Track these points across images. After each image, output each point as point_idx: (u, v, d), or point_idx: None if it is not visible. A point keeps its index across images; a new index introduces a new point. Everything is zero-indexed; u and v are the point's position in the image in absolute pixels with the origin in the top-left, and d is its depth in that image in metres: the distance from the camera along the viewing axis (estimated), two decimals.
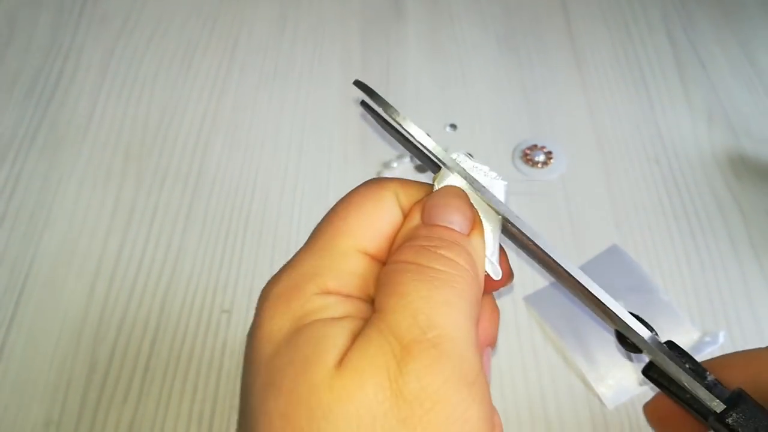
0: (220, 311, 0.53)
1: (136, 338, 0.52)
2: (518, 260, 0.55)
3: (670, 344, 0.31)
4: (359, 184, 0.30)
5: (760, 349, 0.33)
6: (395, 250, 0.28)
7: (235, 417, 0.48)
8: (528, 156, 0.62)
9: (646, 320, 0.30)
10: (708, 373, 0.30)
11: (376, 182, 0.30)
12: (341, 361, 0.23)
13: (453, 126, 0.65)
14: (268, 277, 0.57)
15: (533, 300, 0.53)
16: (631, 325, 0.29)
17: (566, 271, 0.29)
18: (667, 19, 0.75)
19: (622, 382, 0.49)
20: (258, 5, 0.77)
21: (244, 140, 0.64)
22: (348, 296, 0.27)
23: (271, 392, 0.24)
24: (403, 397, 0.23)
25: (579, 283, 0.29)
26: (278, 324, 0.25)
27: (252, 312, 0.56)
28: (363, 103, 0.32)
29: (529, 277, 0.55)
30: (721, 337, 0.51)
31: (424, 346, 0.23)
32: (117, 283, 0.55)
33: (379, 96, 0.30)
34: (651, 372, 0.31)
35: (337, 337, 0.24)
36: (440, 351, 0.23)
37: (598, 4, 0.77)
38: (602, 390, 0.49)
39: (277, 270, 0.28)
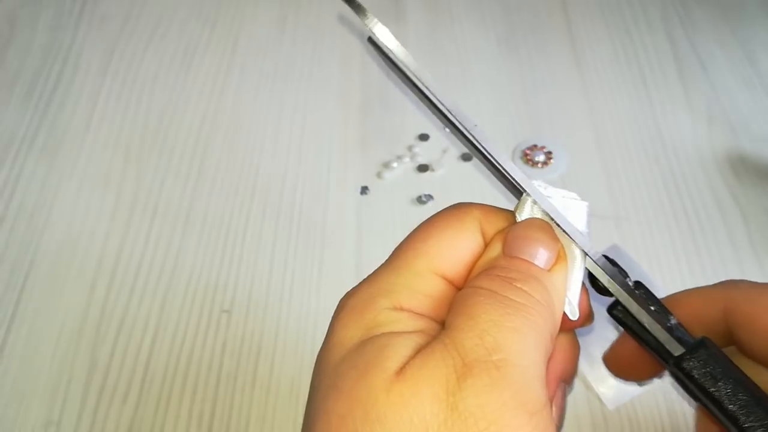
0: (220, 311, 0.53)
1: (136, 338, 0.52)
2: None
3: (638, 284, 0.31)
4: (444, 208, 0.30)
5: (706, 286, 0.33)
6: (473, 277, 0.28)
7: (234, 417, 0.48)
8: (528, 156, 0.62)
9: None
10: (672, 316, 0.30)
11: (459, 207, 0.30)
12: (402, 369, 0.24)
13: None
14: (268, 278, 0.57)
15: None
16: (598, 265, 0.30)
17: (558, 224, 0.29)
18: (667, 19, 0.75)
19: (623, 382, 0.49)
20: (258, 6, 0.77)
21: (244, 141, 0.64)
22: (420, 315, 0.27)
23: (333, 393, 0.24)
24: (458, 411, 0.23)
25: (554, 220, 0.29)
26: (349, 333, 0.26)
27: (252, 312, 0.56)
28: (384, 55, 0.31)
29: None
30: None
31: (486, 366, 0.23)
32: (117, 283, 0.55)
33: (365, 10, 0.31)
34: (615, 311, 0.31)
35: (402, 347, 0.24)
36: (502, 374, 0.23)
37: (597, 4, 0.77)
38: (603, 390, 0.49)
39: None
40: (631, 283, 0.30)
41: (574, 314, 0.29)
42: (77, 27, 0.74)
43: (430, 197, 0.60)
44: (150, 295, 0.54)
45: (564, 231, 0.29)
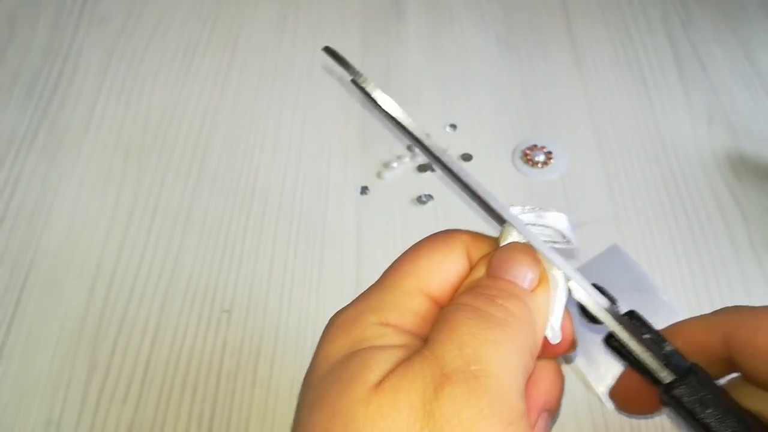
0: (220, 311, 0.53)
1: (136, 338, 0.52)
2: None
3: (631, 314, 0.31)
4: (433, 233, 0.31)
5: (705, 315, 0.34)
6: (457, 295, 0.29)
7: (234, 417, 0.48)
8: (528, 156, 0.62)
9: (616, 299, 0.31)
10: (667, 343, 0.31)
11: (447, 232, 0.31)
12: (381, 381, 0.24)
13: (453, 126, 0.65)
14: (268, 277, 0.57)
15: None
16: (590, 295, 0.30)
17: (542, 253, 0.30)
18: (667, 19, 0.75)
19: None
20: (258, 6, 0.77)
21: (244, 140, 0.64)
22: (406, 331, 0.28)
23: (317, 406, 0.25)
24: (434, 419, 0.23)
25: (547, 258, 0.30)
26: (336, 347, 0.27)
27: (252, 312, 0.56)
28: (353, 81, 0.32)
29: None
30: None
31: (464, 375, 0.24)
32: (117, 283, 0.55)
33: (349, 63, 0.32)
34: (611, 341, 0.31)
35: (384, 361, 0.25)
36: (480, 383, 0.24)
37: (598, 3, 0.77)
38: (602, 390, 0.49)
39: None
40: (621, 312, 0.31)
41: (555, 338, 0.29)
42: (77, 27, 0.74)
43: (430, 197, 0.60)
44: (150, 295, 0.54)
45: (547, 256, 0.30)
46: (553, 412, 0.31)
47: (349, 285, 0.55)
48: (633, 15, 0.76)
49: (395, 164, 0.62)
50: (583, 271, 0.55)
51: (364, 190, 0.60)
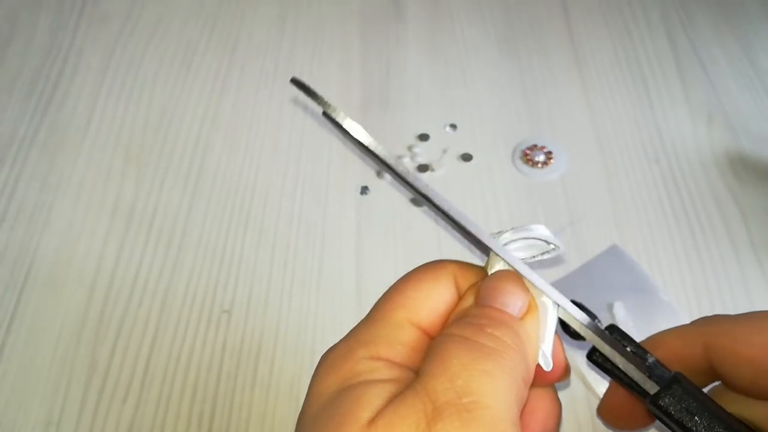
0: (220, 311, 0.53)
1: (136, 338, 0.52)
2: None
3: (612, 328, 0.31)
4: (421, 264, 0.31)
5: (684, 325, 0.34)
6: (446, 326, 0.29)
7: (234, 417, 0.48)
8: (528, 156, 0.62)
9: (592, 311, 0.31)
10: (649, 355, 0.31)
11: (435, 263, 0.31)
12: (374, 418, 0.24)
13: (453, 126, 0.65)
14: (268, 277, 0.57)
15: None
16: (569, 312, 0.30)
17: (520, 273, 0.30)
18: (667, 20, 0.75)
19: None
20: (258, 6, 0.77)
21: (244, 141, 0.64)
22: (397, 364, 0.27)
23: None
24: None
25: (523, 276, 0.30)
26: (327, 384, 0.27)
27: (252, 312, 0.56)
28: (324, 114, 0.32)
29: None
30: None
31: (456, 409, 0.24)
32: (117, 283, 0.55)
33: (317, 94, 0.32)
34: (594, 357, 0.32)
35: (377, 397, 0.25)
36: (473, 416, 0.24)
37: (598, 4, 0.77)
38: (602, 390, 0.49)
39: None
40: (602, 326, 0.31)
41: (548, 365, 0.29)
42: (77, 27, 0.74)
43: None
44: (150, 295, 0.54)
45: (534, 283, 0.30)
46: None
47: (349, 285, 0.55)
48: (633, 15, 0.76)
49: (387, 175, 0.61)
50: (583, 271, 0.55)
51: (364, 190, 0.60)
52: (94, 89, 0.68)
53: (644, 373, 0.30)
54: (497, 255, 0.31)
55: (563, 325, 0.31)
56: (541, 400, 0.30)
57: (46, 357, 0.51)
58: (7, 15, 0.75)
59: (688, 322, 0.52)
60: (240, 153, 0.63)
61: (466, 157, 0.62)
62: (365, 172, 0.62)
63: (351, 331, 0.29)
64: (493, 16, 0.76)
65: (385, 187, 0.61)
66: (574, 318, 0.30)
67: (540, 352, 0.29)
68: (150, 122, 0.66)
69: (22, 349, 0.51)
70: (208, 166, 0.62)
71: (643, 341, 0.33)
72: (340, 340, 0.29)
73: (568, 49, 0.72)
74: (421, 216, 0.59)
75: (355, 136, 0.31)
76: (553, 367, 0.29)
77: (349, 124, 0.31)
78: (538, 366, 0.29)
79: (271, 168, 0.62)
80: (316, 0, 0.77)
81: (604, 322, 0.31)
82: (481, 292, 0.29)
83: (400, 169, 0.31)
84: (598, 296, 0.52)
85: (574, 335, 0.31)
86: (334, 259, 0.56)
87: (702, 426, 0.29)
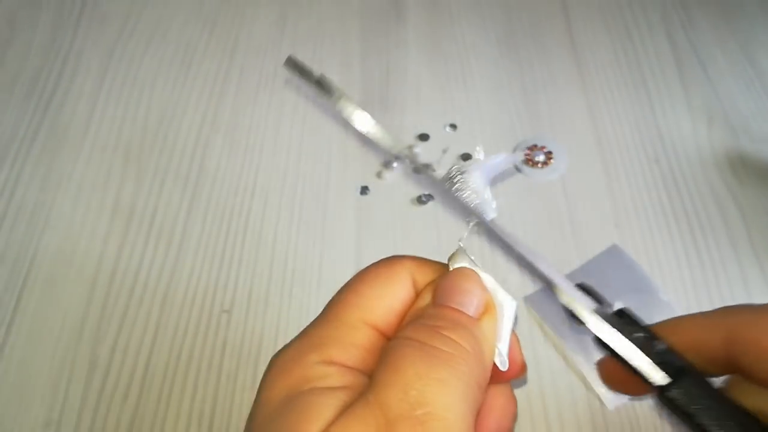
0: (220, 311, 0.53)
1: (136, 338, 0.52)
2: (517, 260, 0.55)
3: (621, 312, 0.31)
4: (377, 261, 0.30)
5: (703, 312, 0.33)
6: (402, 327, 0.28)
7: (234, 416, 0.48)
8: (528, 156, 0.62)
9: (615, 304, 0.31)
10: (659, 341, 0.30)
11: (392, 260, 0.30)
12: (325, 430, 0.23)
13: (453, 126, 0.65)
14: (268, 278, 0.57)
15: (533, 300, 0.53)
16: (575, 298, 0.30)
17: (524, 257, 0.30)
18: (667, 20, 0.75)
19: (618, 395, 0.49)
20: (257, 6, 0.77)
21: (244, 141, 0.64)
22: (350, 368, 0.26)
23: None
24: None
25: (529, 262, 0.30)
26: (276, 391, 0.25)
27: (252, 312, 0.56)
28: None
29: (528, 277, 0.55)
30: None
31: (410, 422, 0.23)
32: (117, 284, 0.55)
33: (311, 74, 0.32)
34: (601, 341, 0.31)
35: (327, 408, 0.24)
36: (426, 429, 0.23)
37: (598, 4, 0.77)
38: (602, 390, 0.49)
39: (315, 304, 0.29)
40: (610, 311, 0.30)
41: (504, 364, 0.28)
42: (77, 27, 0.74)
43: (430, 197, 0.60)
44: (150, 295, 0.54)
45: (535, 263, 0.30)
46: None
47: None
48: (633, 15, 0.76)
49: (395, 164, 0.62)
50: (583, 271, 0.55)
51: (364, 190, 0.60)
52: (93, 90, 0.68)
53: (653, 363, 0.29)
54: (462, 252, 0.30)
55: (567, 311, 0.31)
56: (497, 398, 0.30)
57: (46, 356, 0.51)
58: (7, 16, 0.75)
59: None
60: (240, 153, 0.63)
61: (466, 157, 0.62)
62: (365, 171, 0.62)
63: (303, 331, 0.28)
64: (493, 17, 0.76)
65: (385, 187, 0.61)
66: (579, 304, 0.30)
67: (496, 351, 0.28)
68: (150, 123, 0.66)
69: (23, 349, 0.51)
70: (207, 166, 0.62)
71: (657, 325, 0.32)
72: (291, 342, 0.28)
73: (568, 50, 0.72)
74: (421, 216, 0.59)
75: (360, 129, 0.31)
76: (509, 367, 0.29)
77: (355, 115, 0.31)
78: (494, 365, 0.28)
79: (270, 168, 0.62)
80: (315, 0, 0.77)
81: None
82: (437, 291, 0.28)
83: (409, 154, 0.31)
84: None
85: (579, 322, 0.31)
86: (334, 259, 0.56)
87: (712, 420, 0.28)
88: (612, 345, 0.30)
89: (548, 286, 0.31)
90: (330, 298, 0.54)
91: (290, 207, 0.60)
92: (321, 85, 0.31)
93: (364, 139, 0.64)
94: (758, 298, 0.53)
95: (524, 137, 0.64)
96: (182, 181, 0.61)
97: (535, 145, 0.63)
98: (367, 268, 0.30)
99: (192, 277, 0.55)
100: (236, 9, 0.77)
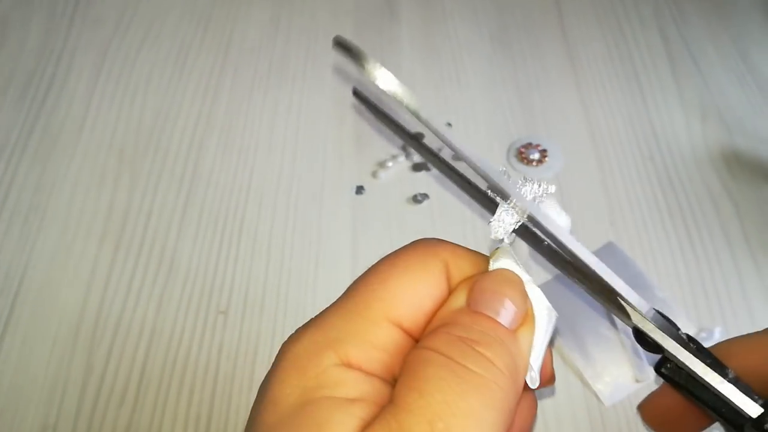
0: (216, 313, 0.53)
1: (132, 341, 0.51)
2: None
3: (689, 338, 0.27)
4: (410, 242, 0.27)
5: (759, 333, 0.30)
6: (430, 331, 0.25)
7: (231, 419, 0.48)
8: (523, 154, 0.62)
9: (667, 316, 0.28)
10: (729, 370, 0.27)
11: (426, 246, 0.27)
12: None
13: (447, 124, 0.65)
14: (264, 278, 0.57)
15: None
16: (648, 320, 0.27)
17: (585, 263, 0.27)
18: (659, 16, 0.75)
19: (620, 379, 0.49)
20: (251, 6, 0.77)
21: (239, 141, 0.64)
22: (369, 373, 0.24)
23: None
24: None
25: (597, 274, 0.26)
26: (287, 390, 0.23)
27: (248, 313, 0.56)
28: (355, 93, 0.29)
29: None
30: (717, 333, 0.51)
31: None
32: (112, 286, 0.54)
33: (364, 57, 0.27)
34: (665, 369, 0.28)
35: (343, 426, 0.22)
36: None
37: (590, 1, 0.77)
38: (599, 387, 0.49)
39: (311, 303, 0.27)
40: (684, 337, 0.27)
41: (534, 382, 0.26)
42: (70, 28, 0.74)
43: (425, 196, 0.60)
44: (146, 297, 0.54)
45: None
46: None
47: (345, 285, 0.54)
48: (625, 12, 0.76)
49: (390, 163, 0.62)
50: None
51: (359, 189, 0.60)
52: (87, 91, 0.68)
53: (744, 394, 0.26)
54: (505, 250, 0.27)
55: (637, 335, 0.27)
56: (520, 405, 0.27)
57: (41, 361, 0.50)
58: None
59: (683, 318, 0.52)
60: (234, 154, 0.63)
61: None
62: (360, 171, 0.62)
63: (320, 318, 0.26)
64: (486, 15, 0.76)
65: (380, 187, 0.61)
66: (656, 328, 0.27)
67: (528, 366, 0.26)
68: (144, 123, 0.66)
69: (18, 354, 0.51)
70: (202, 167, 0.62)
71: (711, 347, 0.29)
72: (307, 328, 0.25)
73: (561, 47, 0.72)
74: (418, 215, 0.59)
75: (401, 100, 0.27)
76: (539, 381, 0.26)
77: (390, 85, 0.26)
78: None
79: (265, 168, 0.62)
80: (309, 0, 0.77)
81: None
82: (474, 294, 0.25)
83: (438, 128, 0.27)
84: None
85: (652, 347, 0.27)
86: (330, 260, 0.56)
87: None
88: (693, 372, 0.27)
89: (614, 307, 0.28)
90: (326, 298, 0.54)
91: (285, 207, 0.60)
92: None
93: (363, 138, 0.64)
94: (753, 294, 0.54)
95: (518, 135, 0.64)
96: (177, 182, 0.61)
97: (530, 143, 0.63)
98: (399, 252, 0.27)
99: (187, 279, 0.55)
100: (230, 8, 0.76)
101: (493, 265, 0.27)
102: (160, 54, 0.72)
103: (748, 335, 0.30)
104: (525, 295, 0.26)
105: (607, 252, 0.56)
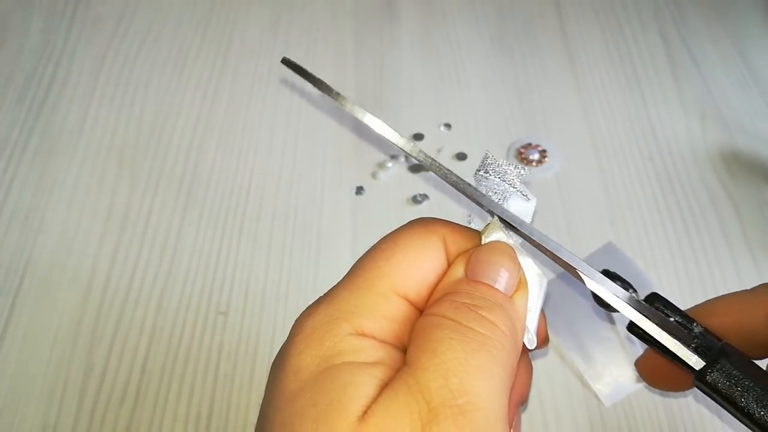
0: (216, 313, 0.53)
1: (133, 340, 0.51)
2: None
3: (654, 296, 0.30)
4: (408, 222, 0.29)
5: (742, 291, 0.32)
6: (434, 301, 0.27)
7: (231, 419, 0.48)
8: (522, 154, 0.62)
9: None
10: (695, 324, 0.29)
11: (424, 225, 0.29)
12: (365, 414, 0.23)
13: (447, 125, 0.65)
14: (264, 278, 0.57)
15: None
16: (604, 286, 0.29)
17: (549, 249, 0.29)
18: (660, 17, 0.76)
19: (619, 379, 0.49)
20: (250, 8, 0.77)
21: (238, 143, 0.64)
22: (382, 341, 0.26)
23: None
24: None
25: (551, 251, 0.29)
26: (307, 360, 0.25)
27: (248, 314, 0.56)
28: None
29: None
30: None
31: (452, 411, 0.23)
32: (113, 286, 0.54)
33: (310, 75, 0.30)
34: (635, 328, 0.30)
35: (365, 386, 0.23)
36: (468, 420, 0.23)
37: (590, 3, 0.77)
38: (599, 387, 0.49)
39: (313, 301, 0.28)
40: (637, 297, 0.29)
41: (531, 343, 0.28)
42: (69, 30, 0.74)
43: (425, 197, 0.60)
44: (146, 297, 0.54)
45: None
46: (524, 403, 0.31)
47: None
48: (626, 13, 0.76)
49: (390, 164, 0.62)
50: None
51: (359, 190, 0.60)
52: (87, 92, 0.68)
53: (689, 347, 0.28)
54: (497, 223, 0.29)
55: (596, 297, 0.30)
56: (519, 366, 0.29)
57: (42, 360, 0.50)
58: None
59: None
60: (234, 155, 0.63)
61: (461, 157, 0.62)
62: (360, 172, 0.62)
63: (331, 293, 0.27)
64: (486, 15, 0.76)
65: (380, 187, 0.61)
66: (608, 292, 0.29)
67: (525, 328, 0.28)
68: (143, 125, 0.66)
69: (18, 353, 0.51)
70: (202, 168, 0.62)
71: (693, 308, 0.31)
72: (319, 304, 0.27)
73: (561, 47, 0.73)
74: (417, 215, 0.59)
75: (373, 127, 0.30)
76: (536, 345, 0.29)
77: (366, 117, 0.30)
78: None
79: (265, 169, 0.62)
80: (309, 1, 0.77)
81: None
82: (472, 264, 0.27)
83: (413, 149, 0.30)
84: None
85: (609, 307, 0.30)
86: (330, 260, 0.56)
87: (753, 403, 0.27)
88: (644, 329, 0.29)
89: (572, 274, 0.30)
90: None
91: (285, 208, 0.60)
92: (320, 85, 0.30)
93: (363, 139, 0.64)
94: None
95: (518, 135, 0.64)
96: (177, 183, 0.61)
97: (530, 144, 0.63)
98: (399, 231, 0.29)
99: (187, 279, 0.55)
100: (229, 10, 0.77)
101: (486, 239, 0.29)
102: (160, 55, 0.72)
103: (733, 294, 0.32)
104: (518, 264, 0.28)
105: (606, 252, 0.56)
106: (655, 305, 0.30)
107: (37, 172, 0.62)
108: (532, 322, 0.28)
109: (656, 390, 0.34)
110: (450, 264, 0.28)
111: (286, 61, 0.31)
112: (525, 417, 0.48)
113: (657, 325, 0.29)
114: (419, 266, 0.28)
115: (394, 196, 0.60)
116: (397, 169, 0.62)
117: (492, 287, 0.27)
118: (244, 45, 0.73)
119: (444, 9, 0.76)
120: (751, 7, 0.76)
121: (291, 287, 0.55)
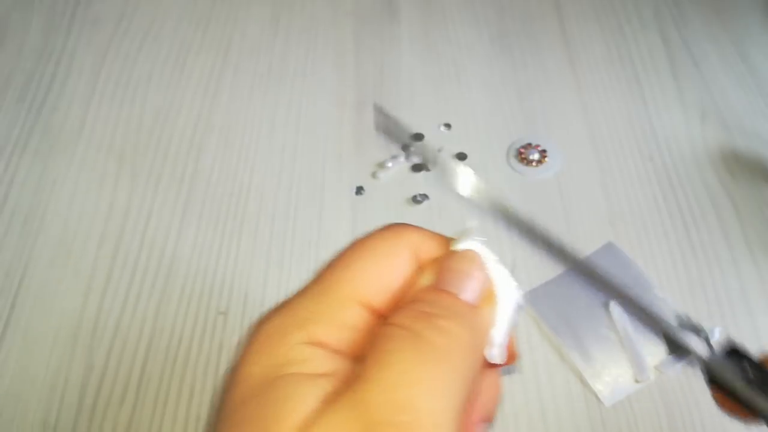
0: (216, 313, 0.53)
1: (133, 341, 0.51)
2: (513, 256, 0.55)
3: (732, 352, 0.30)
4: (378, 228, 0.28)
5: None
6: (397, 309, 0.25)
7: None
8: (523, 154, 0.62)
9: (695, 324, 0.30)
10: None
11: (394, 231, 0.28)
12: (303, 428, 0.22)
13: (447, 125, 0.65)
14: (263, 278, 0.57)
15: (530, 298, 0.53)
16: (683, 343, 0.28)
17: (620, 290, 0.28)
18: (660, 18, 0.76)
19: (619, 379, 0.49)
20: (250, 7, 0.77)
21: (239, 141, 0.64)
22: (336, 351, 0.25)
23: None
24: None
25: (629, 297, 0.28)
26: (256, 368, 0.24)
27: (248, 314, 0.56)
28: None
29: (525, 274, 0.55)
30: (717, 333, 0.51)
31: (393, 429, 0.21)
32: (113, 286, 0.54)
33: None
34: (715, 379, 0.30)
35: (308, 399, 0.22)
36: None
37: (590, 3, 0.77)
38: (599, 387, 0.49)
39: (271, 307, 0.27)
40: (710, 337, 0.30)
41: (500, 358, 0.27)
42: (70, 29, 0.74)
43: (425, 197, 0.60)
44: (146, 297, 0.54)
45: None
46: (491, 420, 0.29)
47: None
48: (626, 13, 0.76)
49: (390, 164, 0.62)
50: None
51: (359, 190, 0.60)
52: (87, 91, 0.68)
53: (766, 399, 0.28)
54: (471, 228, 0.28)
55: (668, 341, 0.29)
56: (485, 384, 0.28)
57: (42, 360, 0.50)
58: (0, 18, 0.75)
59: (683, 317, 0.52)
60: (234, 154, 0.63)
61: (461, 156, 0.62)
62: (360, 172, 0.62)
63: (290, 300, 0.26)
64: (486, 16, 0.76)
65: (380, 187, 0.61)
66: (691, 347, 0.29)
67: (495, 343, 0.27)
68: (144, 124, 0.66)
69: (18, 353, 0.51)
70: (202, 167, 0.62)
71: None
72: (276, 310, 0.26)
73: (561, 48, 0.73)
74: (417, 215, 0.59)
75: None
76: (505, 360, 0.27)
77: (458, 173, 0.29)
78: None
79: (265, 169, 0.62)
80: (309, 0, 0.77)
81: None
82: (439, 273, 0.26)
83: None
84: (593, 294, 0.53)
85: (683, 352, 0.29)
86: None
87: None
88: (730, 385, 0.29)
89: (641, 317, 0.29)
90: None
91: (285, 207, 0.60)
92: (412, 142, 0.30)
93: (363, 139, 0.64)
94: (752, 293, 0.54)
95: (518, 135, 0.64)
96: (177, 182, 0.61)
97: (530, 144, 0.63)
98: (366, 238, 0.27)
99: (187, 279, 0.55)
100: (229, 9, 0.76)
101: (458, 246, 0.28)
102: (160, 54, 0.72)
103: None
104: (485, 273, 0.27)
105: (606, 252, 0.56)
106: (733, 359, 0.30)
107: (37, 172, 0.62)
108: (500, 335, 0.27)
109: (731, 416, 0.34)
110: (419, 271, 0.27)
111: (378, 109, 0.29)
112: (525, 417, 0.48)
113: (738, 383, 0.29)
114: (384, 273, 0.26)
115: (394, 196, 0.60)
116: (397, 169, 0.62)
117: (455, 296, 0.26)
118: (244, 44, 0.73)
119: (444, 9, 0.76)
120: (751, 7, 0.76)
121: (291, 286, 0.54)
